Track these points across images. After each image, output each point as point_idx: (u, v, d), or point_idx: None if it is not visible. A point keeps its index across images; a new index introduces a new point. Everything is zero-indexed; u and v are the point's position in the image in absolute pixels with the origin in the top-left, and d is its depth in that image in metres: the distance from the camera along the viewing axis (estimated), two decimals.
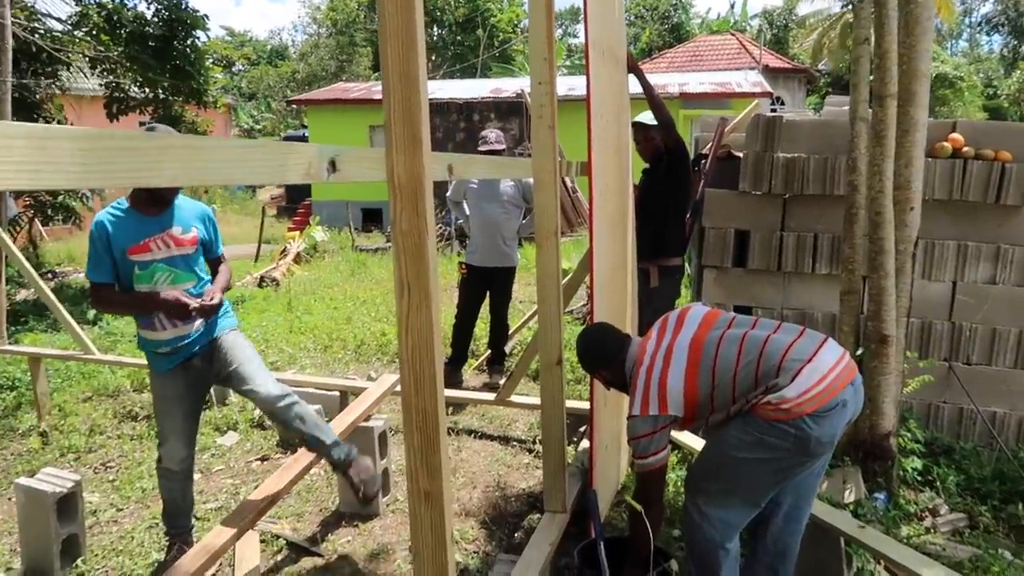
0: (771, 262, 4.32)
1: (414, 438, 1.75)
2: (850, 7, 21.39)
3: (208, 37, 10.94)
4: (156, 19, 10.00)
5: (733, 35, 25.86)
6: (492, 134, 5.21)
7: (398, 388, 2.98)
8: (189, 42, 10.23)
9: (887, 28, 3.29)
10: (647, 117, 4.25)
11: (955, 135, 4.01)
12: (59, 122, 10.38)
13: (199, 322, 2.95)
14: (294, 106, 26.10)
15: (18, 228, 10.86)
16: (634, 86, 4.08)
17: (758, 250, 4.33)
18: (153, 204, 2.88)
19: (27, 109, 9.88)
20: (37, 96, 10.24)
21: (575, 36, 37.16)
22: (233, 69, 19.91)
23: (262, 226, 14.32)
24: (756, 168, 4.26)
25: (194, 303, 2.84)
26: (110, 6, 9.70)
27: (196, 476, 3.55)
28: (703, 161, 4.72)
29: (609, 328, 2.76)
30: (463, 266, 5.42)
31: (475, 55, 28.80)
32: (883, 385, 3.51)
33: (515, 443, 4.40)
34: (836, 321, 3.89)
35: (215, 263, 3.16)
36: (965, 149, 3.98)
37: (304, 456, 3.20)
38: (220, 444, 4.38)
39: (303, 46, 38.11)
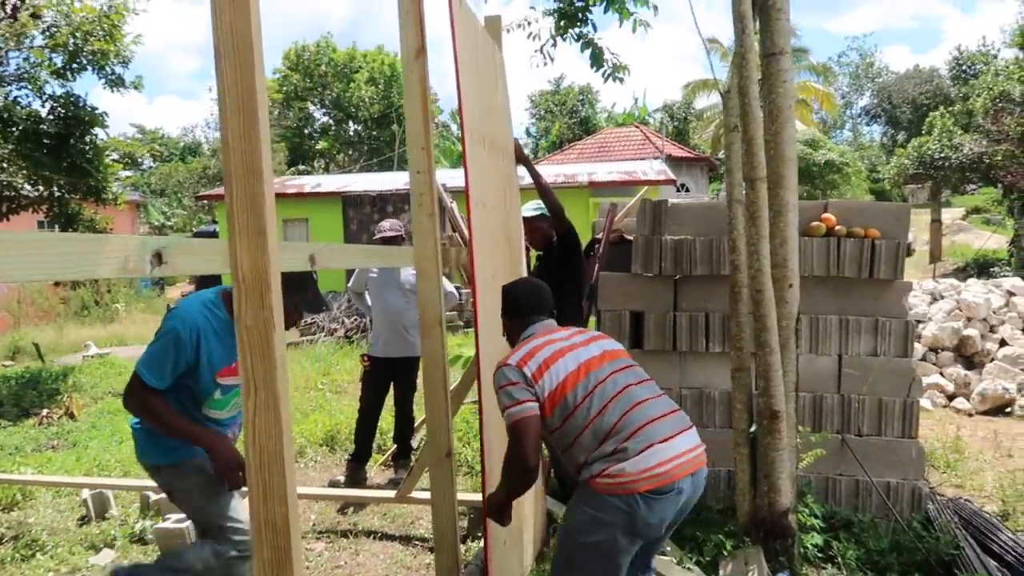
0: (666, 342, 4.37)
1: (264, 552, 1.62)
2: None
3: (108, 134, 10.69)
4: (51, 117, 9.76)
5: (637, 127, 27.15)
6: (387, 223, 5.20)
7: None
8: (87, 139, 10.00)
9: (752, 116, 3.48)
10: (527, 209, 4.34)
11: (827, 215, 4.22)
12: None
13: None
14: (205, 202, 25.68)
15: None
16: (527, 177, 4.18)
17: (653, 331, 4.38)
18: None
19: None
20: None
21: None
22: (142, 166, 19.52)
23: None
24: (646, 251, 4.36)
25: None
26: (0, 104, 9.42)
27: None
28: (597, 246, 4.81)
29: (546, 295, 2.81)
30: (365, 358, 5.28)
31: (391, 149, 29.28)
32: (777, 461, 3.53)
33: (417, 542, 4.19)
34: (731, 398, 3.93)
35: None
36: (837, 228, 4.19)
37: None
38: (93, 564, 4.00)
39: (216, 142, 37.91)
